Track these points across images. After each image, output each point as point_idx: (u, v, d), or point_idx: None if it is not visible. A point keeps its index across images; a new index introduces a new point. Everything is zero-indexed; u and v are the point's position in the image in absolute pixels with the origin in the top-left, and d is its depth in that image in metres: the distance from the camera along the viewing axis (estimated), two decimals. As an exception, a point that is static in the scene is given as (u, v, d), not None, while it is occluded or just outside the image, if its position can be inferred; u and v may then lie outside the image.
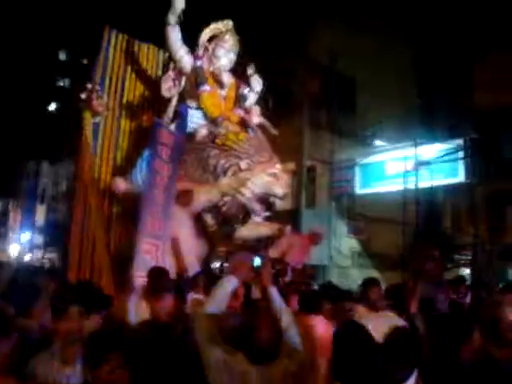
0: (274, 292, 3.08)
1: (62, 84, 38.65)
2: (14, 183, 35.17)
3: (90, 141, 6.89)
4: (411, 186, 12.55)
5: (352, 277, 13.91)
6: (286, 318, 2.93)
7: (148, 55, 7.94)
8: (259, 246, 6.59)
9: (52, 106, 36.85)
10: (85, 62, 36.19)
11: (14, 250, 29.97)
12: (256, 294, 3.94)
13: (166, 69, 7.78)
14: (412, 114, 16.04)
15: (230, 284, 3.11)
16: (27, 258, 27.64)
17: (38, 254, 26.92)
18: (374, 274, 11.90)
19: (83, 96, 6.98)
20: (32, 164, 33.88)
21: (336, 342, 1.68)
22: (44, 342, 3.81)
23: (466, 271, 12.58)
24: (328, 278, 12.36)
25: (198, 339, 2.78)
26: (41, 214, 30.91)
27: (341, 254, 14.81)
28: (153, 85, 7.76)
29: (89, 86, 7.07)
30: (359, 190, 14.30)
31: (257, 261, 3.32)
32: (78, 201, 6.82)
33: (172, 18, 6.68)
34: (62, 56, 38.64)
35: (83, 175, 6.78)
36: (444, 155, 12.28)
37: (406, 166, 12.62)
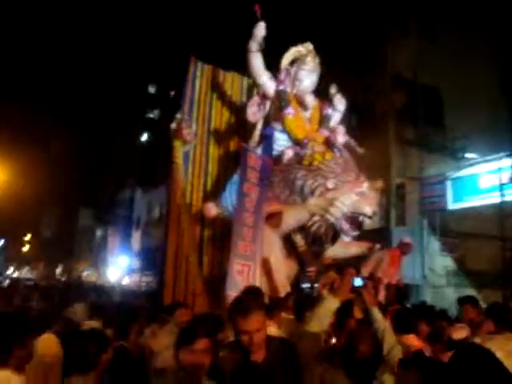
0: (376, 312, 3.08)
1: (151, 116, 40.64)
2: (112, 210, 37.27)
3: (181, 168, 7.21)
4: (508, 198, 11.88)
5: (447, 297, 13.29)
6: (390, 339, 2.92)
7: (232, 83, 8.23)
8: (349, 265, 6.52)
9: (143, 137, 38.78)
10: (172, 93, 38.06)
11: (112, 274, 31.55)
12: (358, 314, 3.92)
13: (250, 95, 8.04)
14: (503, 124, 15.26)
15: (331, 304, 3.15)
16: (125, 281, 28.99)
17: (135, 277, 28.14)
18: (471, 292, 11.31)
19: (173, 126, 7.34)
20: (127, 192, 35.74)
21: (455, 371, 1.58)
22: (139, 363, 4.00)
23: None
24: (422, 298, 11.91)
25: (301, 357, 2.82)
26: (136, 240, 32.41)
27: (434, 273, 14.23)
28: (238, 111, 8.02)
29: (178, 116, 7.44)
30: (452, 206, 13.72)
31: (357, 281, 3.34)
32: (172, 225, 7.12)
33: (254, 46, 6.90)
34: (152, 89, 40.70)
35: (176, 201, 7.09)
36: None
37: (501, 177, 11.98)
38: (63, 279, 30.64)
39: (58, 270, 46.10)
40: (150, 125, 38.75)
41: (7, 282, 18.54)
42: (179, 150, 7.23)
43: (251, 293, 3.55)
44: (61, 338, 4.20)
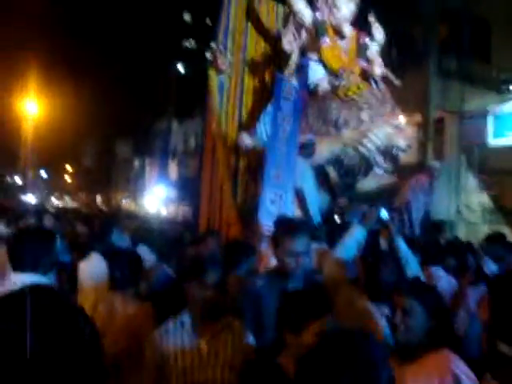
0: (401, 243, 3.17)
1: (187, 45, 40.06)
2: (149, 141, 37.77)
3: (216, 98, 7.22)
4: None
5: (482, 234, 13.21)
6: (414, 267, 3.03)
7: (268, 10, 8.02)
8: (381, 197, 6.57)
9: (180, 67, 38.47)
10: (208, 22, 37.17)
11: (150, 204, 32.43)
12: (383, 245, 4.01)
13: (285, 23, 7.85)
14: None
15: (358, 233, 3.25)
16: (163, 210, 29.81)
17: (173, 207, 28.87)
18: (506, 231, 11.20)
19: (208, 55, 7.31)
20: (164, 123, 35.97)
21: (495, 296, 1.70)
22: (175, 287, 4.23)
23: None
24: (455, 234, 11.90)
25: (327, 280, 2.96)
26: (173, 170, 32.96)
27: (470, 210, 14.12)
28: (273, 40, 7.87)
29: (213, 45, 7.37)
30: (492, 142, 13.36)
31: (384, 213, 3.39)
32: (207, 155, 7.24)
33: (291, -28, 6.68)
34: (187, 17, 39.89)
35: (211, 131, 7.16)
36: None
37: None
38: (103, 208, 31.69)
39: (98, 200, 47.68)
40: (186, 54, 38.32)
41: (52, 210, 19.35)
42: (214, 79, 7.23)
43: (288, 221, 3.62)
44: (104, 258, 4.48)
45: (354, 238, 3.26)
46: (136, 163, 42.45)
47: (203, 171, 7.32)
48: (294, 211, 5.39)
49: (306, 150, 5.80)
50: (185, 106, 32.45)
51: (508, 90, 13.54)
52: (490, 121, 13.19)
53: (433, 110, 13.70)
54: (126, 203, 39.51)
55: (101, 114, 45.41)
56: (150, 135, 37.71)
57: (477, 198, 14.32)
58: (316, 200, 5.79)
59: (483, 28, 14.16)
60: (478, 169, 14.03)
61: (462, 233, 12.71)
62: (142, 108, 41.91)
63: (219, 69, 7.16)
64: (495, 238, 5.20)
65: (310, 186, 5.68)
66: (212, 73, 7.18)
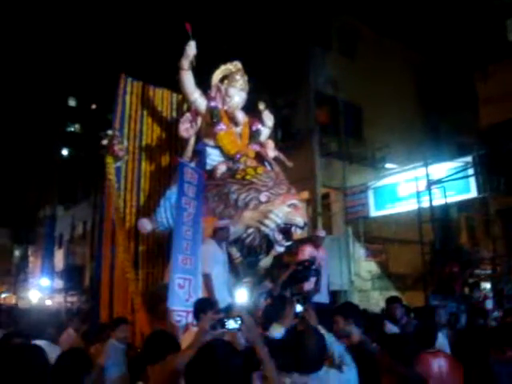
0: (320, 328, 3.42)
1: (72, 129, 39.48)
2: (32, 229, 35.65)
3: (114, 184, 7.18)
4: (425, 205, 12.66)
5: (373, 299, 13.97)
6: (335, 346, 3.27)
7: (163, 99, 8.31)
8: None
9: (64, 152, 37.55)
10: (93, 106, 37.19)
11: (34, 296, 30.09)
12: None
13: (180, 110, 8.16)
14: (418, 135, 16.32)
15: (277, 332, 3.53)
16: (48, 303, 27.75)
17: (59, 298, 27.07)
18: (395, 294, 11.92)
19: (104, 142, 7.30)
20: (48, 209, 34.35)
21: None
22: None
23: (487, 285, 12.53)
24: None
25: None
26: (59, 258, 31.17)
27: (360, 278, 14.89)
28: (169, 126, 8.13)
29: (109, 132, 7.40)
30: (374, 213, 14.45)
31: (298, 307, 3.70)
32: (106, 242, 7.06)
33: (185, 63, 7.05)
34: (72, 102, 39.58)
35: (110, 217, 7.04)
36: (454, 173, 12.41)
37: (418, 186, 12.77)
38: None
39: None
40: (70, 138, 37.62)
41: None
42: (112, 166, 7.21)
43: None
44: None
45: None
46: (17, 253, 39.61)
47: (102, 258, 7.11)
48: (204, 295, 5.37)
49: (222, 233, 5.90)
50: (70, 191, 31.46)
51: (383, 167, 14.94)
52: (371, 195, 14.32)
53: (319, 188, 14.62)
54: (5, 297, 36.24)
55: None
56: (34, 222, 35.68)
57: (365, 267, 15.18)
58: (225, 282, 5.84)
59: (355, 112, 15.71)
60: (364, 239, 14.99)
61: (355, 300, 13.31)
62: (24, 194, 39.88)
63: (116, 155, 7.17)
64: (393, 301, 5.61)
65: (218, 269, 5.71)
66: (109, 159, 7.16)
